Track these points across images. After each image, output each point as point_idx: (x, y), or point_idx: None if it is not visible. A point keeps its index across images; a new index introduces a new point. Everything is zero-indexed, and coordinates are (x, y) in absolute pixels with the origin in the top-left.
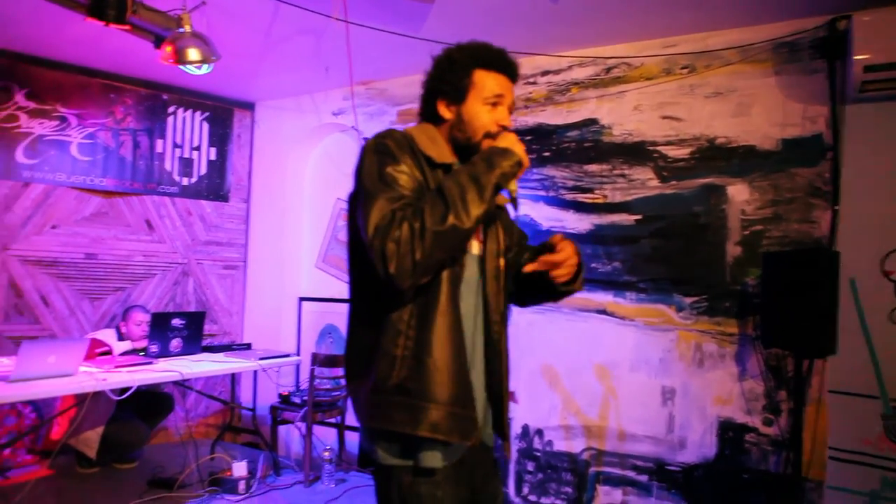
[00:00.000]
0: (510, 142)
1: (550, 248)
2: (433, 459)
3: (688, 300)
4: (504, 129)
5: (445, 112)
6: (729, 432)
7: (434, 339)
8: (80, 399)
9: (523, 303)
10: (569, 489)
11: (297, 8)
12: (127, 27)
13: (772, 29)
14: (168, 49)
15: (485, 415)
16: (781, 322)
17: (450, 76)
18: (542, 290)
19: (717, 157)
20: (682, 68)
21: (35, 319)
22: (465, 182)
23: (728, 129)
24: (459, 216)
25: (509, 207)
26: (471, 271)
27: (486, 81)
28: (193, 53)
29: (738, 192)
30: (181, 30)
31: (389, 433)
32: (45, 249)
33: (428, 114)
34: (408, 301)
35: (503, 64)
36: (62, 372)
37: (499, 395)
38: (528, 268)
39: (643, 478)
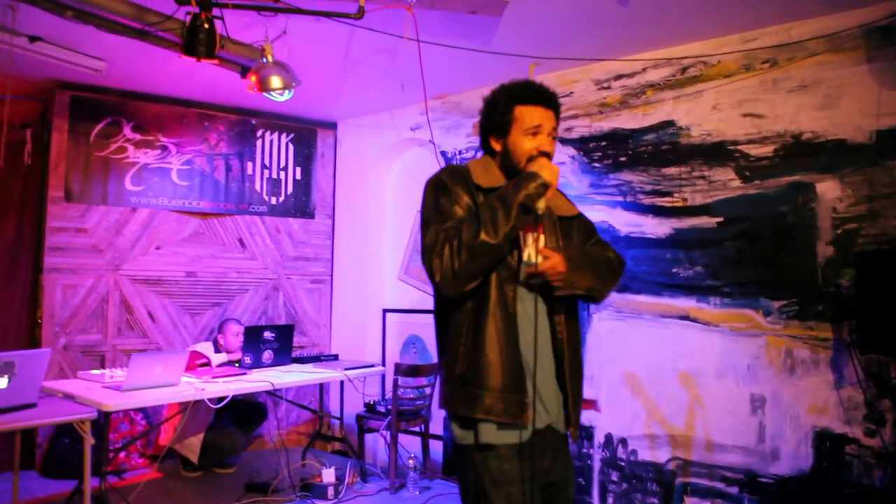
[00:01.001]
0: (539, 165)
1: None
2: (489, 435)
3: (776, 304)
4: (544, 154)
5: (496, 145)
6: (826, 443)
7: (486, 337)
8: (184, 407)
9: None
10: (655, 500)
11: (371, 31)
12: (216, 61)
13: (862, 14)
14: (252, 79)
15: (555, 403)
16: (880, 325)
17: (494, 115)
18: None
19: (803, 153)
20: (763, 63)
21: (143, 333)
22: (495, 204)
23: (815, 124)
24: (489, 233)
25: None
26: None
27: (525, 114)
28: (275, 81)
29: (829, 190)
30: (264, 60)
31: (459, 416)
32: (150, 269)
33: (485, 147)
34: (466, 307)
35: (540, 97)
36: (166, 382)
37: (564, 384)
38: (522, 276)
39: (733, 489)
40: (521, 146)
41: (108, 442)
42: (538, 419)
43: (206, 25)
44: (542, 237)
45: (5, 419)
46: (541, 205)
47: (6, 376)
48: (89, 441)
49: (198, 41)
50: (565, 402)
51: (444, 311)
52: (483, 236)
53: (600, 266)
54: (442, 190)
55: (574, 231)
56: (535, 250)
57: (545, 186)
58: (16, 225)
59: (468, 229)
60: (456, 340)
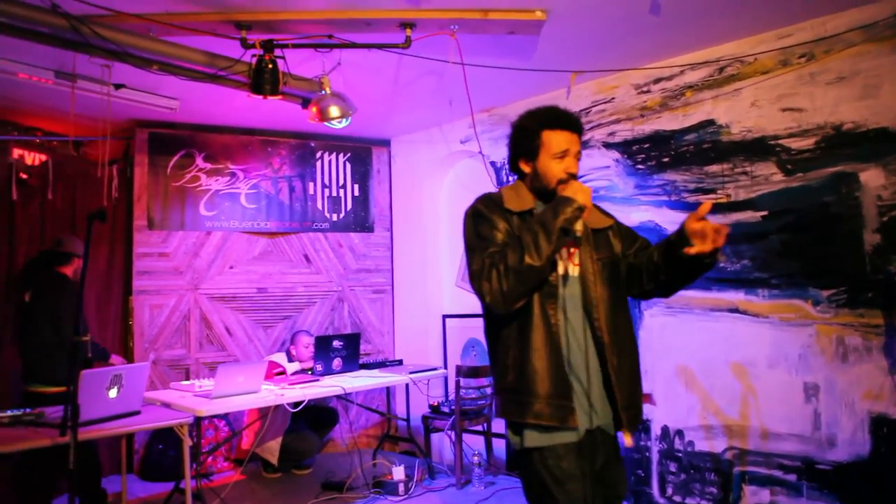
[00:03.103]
0: (573, 190)
1: (684, 236)
2: (533, 439)
3: (825, 293)
4: (571, 176)
5: (525, 168)
6: (883, 428)
7: (532, 349)
8: (263, 413)
9: (667, 291)
10: (713, 489)
11: (418, 57)
12: (280, 97)
13: None
14: (313, 110)
15: (603, 406)
16: None
17: (523, 140)
18: (683, 273)
19: (844, 143)
20: (800, 57)
21: (222, 347)
22: (536, 229)
23: (855, 114)
24: (532, 256)
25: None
26: (571, 289)
27: (553, 139)
28: (334, 111)
29: (873, 178)
30: (322, 92)
31: (511, 423)
32: (225, 287)
33: (514, 170)
34: (512, 322)
35: (565, 122)
36: (249, 389)
37: (610, 389)
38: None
39: (791, 477)
40: (550, 169)
41: (200, 445)
42: (586, 421)
43: (270, 66)
44: (575, 252)
45: (118, 424)
46: (578, 227)
47: (116, 387)
48: (188, 442)
49: (263, 80)
50: (613, 405)
51: (492, 327)
52: (528, 260)
53: None
54: (480, 218)
55: (612, 239)
56: (572, 264)
57: (581, 210)
58: (107, 253)
59: (512, 254)
60: (504, 353)
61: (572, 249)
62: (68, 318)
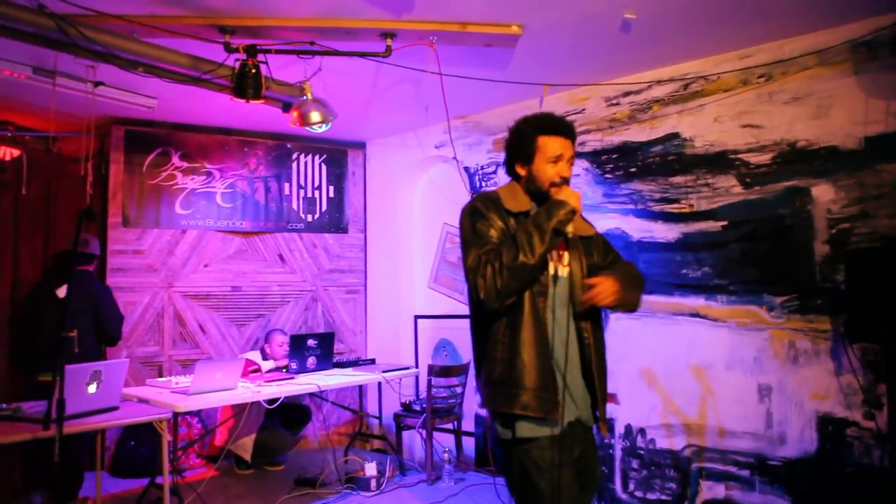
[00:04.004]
0: (566, 194)
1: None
2: (524, 430)
3: (778, 300)
4: (564, 180)
5: (521, 171)
6: (829, 427)
7: (521, 344)
8: (237, 410)
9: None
10: (673, 485)
11: (397, 66)
12: (262, 101)
13: (848, 30)
14: (295, 114)
15: (583, 400)
16: (867, 317)
17: (520, 144)
18: None
19: (799, 159)
20: (759, 77)
21: (195, 345)
22: (530, 229)
23: (809, 132)
24: (527, 255)
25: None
26: (560, 289)
27: (548, 144)
28: (315, 116)
29: (823, 193)
30: (304, 97)
31: (499, 413)
32: (200, 285)
33: (510, 172)
34: (502, 318)
35: (560, 128)
36: (226, 386)
37: (592, 384)
38: (578, 308)
39: (745, 472)
40: (544, 172)
41: (177, 441)
42: (568, 413)
43: (254, 71)
44: (565, 254)
45: (96, 420)
46: (570, 228)
47: (95, 383)
48: (167, 438)
49: (247, 85)
50: (593, 401)
51: (482, 322)
52: (522, 258)
53: (637, 281)
54: (477, 216)
55: (593, 248)
56: (561, 265)
57: (573, 213)
58: None
59: (508, 252)
60: (493, 347)
61: (562, 252)
62: (110, 313)
